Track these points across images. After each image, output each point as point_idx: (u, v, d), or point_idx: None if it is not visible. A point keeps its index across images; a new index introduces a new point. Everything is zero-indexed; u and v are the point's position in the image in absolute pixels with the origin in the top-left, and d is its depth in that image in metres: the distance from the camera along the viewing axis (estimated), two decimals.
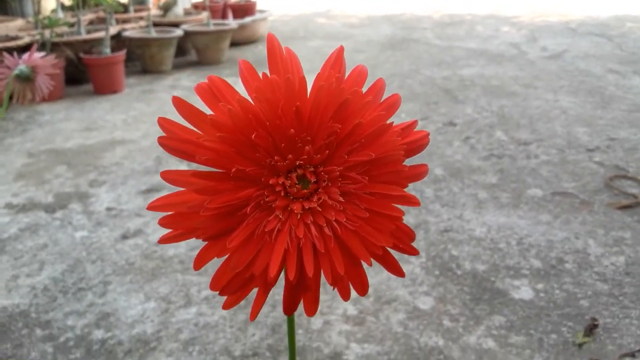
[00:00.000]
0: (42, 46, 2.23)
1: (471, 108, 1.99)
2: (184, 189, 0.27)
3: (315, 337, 0.88)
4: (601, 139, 1.66)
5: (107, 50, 2.31)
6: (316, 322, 0.92)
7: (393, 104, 0.29)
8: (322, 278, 0.29)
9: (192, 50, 2.95)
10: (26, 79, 0.75)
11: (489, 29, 3.59)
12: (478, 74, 2.46)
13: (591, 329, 0.88)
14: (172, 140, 0.26)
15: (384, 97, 0.29)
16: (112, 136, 1.82)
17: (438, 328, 0.90)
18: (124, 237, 1.19)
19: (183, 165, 1.53)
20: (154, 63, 2.64)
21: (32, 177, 1.52)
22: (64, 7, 2.92)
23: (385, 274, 1.03)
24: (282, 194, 0.27)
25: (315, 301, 0.30)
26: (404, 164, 0.28)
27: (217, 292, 0.28)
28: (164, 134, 0.27)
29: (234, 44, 3.13)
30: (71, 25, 2.55)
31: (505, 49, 2.97)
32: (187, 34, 2.77)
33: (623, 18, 3.80)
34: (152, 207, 0.27)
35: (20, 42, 2.21)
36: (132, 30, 2.67)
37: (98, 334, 0.90)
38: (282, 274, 0.28)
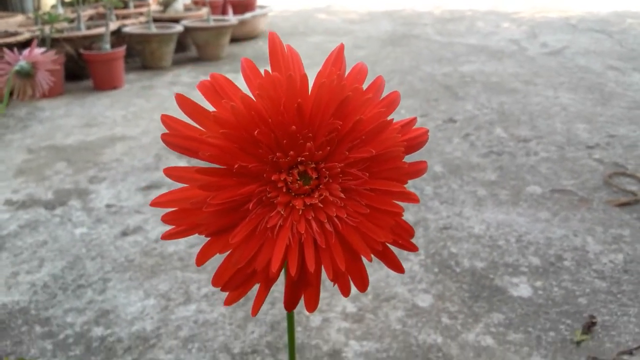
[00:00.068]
0: (42, 42, 2.23)
1: (471, 105, 1.99)
2: (187, 185, 0.27)
3: (314, 335, 0.89)
4: (601, 136, 1.66)
5: (107, 46, 2.31)
6: (315, 319, 0.92)
7: (393, 101, 0.29)
8: (322, 275, 0.29)
9: (192, 46, 2.94)
10: (26, 75, 0.75)
11: (489, 25, 3.59)
12: (478, 70, 2.46)
13: (589, 327, 0.88)
14: (176, 137, 0.27)
15: (384, 94, 0.30)
16: (112, 132, 1.82)
17: (437, 325, 0.90)
18: (124, 234, 1.19)
19: (182, 162, 1.54)
20: (153, 59, 2.64)
21: (32, 173, 1.52)
22: (63, 3, 2.92)
23: (384, 271, 1.04)
24: (284, 190, 0.28)
25: (316, 297, 0.30)
26: (403, 160, 0.28)
27: (219, 288, 0.28)
28: (164, 130, 0.27)
29: (234, 39, 3.12)
30: (71, 21, 2.55)
31: (506, 45, 2.97)
32: (187, 29, 2.76)
33: (623, 14, 3.80)
34: (155, 204, 0.27)
35: (20, 38, 2.21)
36: (132, 26, 2.67)
37: (97, 331, 0.90)
38: (283, 271, 0.28)
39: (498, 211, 1.25)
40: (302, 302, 0.30)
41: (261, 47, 3.15)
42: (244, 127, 0.26)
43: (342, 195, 0.28)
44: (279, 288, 0.97)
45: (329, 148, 0.27)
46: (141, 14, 2.99)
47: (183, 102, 0.27)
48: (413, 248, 0.30)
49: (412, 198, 0.28)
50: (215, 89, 0.27)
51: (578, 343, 0.85)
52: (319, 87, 0.26)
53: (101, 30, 2.39)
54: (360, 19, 4.06)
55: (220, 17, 3.12)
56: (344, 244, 0.28)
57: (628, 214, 1.22)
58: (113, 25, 2.54)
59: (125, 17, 2.90)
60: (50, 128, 1.88)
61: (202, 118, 0.27)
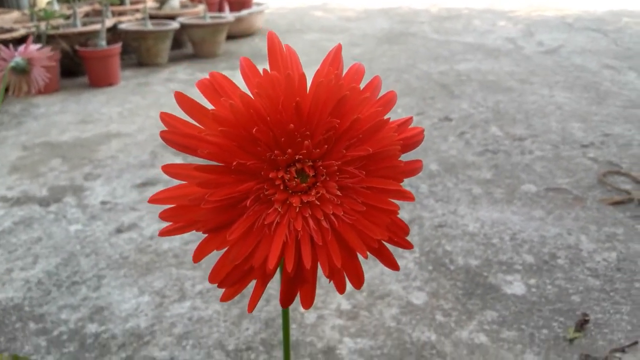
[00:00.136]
0: (38, 38, 2.22)
1: (467, 103, 2.00)
2: (184, 182, 0.27)
3: (308, 332, 0.89)
4: (595, 134, 1.67)
5: (103, 42, 2.30)
6: (310, 316, 0.92)
7: (389, 101, 0.30)
8: (318, 272, 0.29)
9: (189, 43, 2.94)
10: (22, 71, 0.75)
11: (485, 24, 3.59)
12: (474, 68, 2.47)
13: (582, 325, 0.89)
14: (175, 135, 0.27)
15: (381, 93, 0.30)
16: (107, 129, 1.82)
17: (431, 323, 0.90)
18: (119, 230, 1.19)
19: (178, 159, 1.53)
20: (149, 56, 2.64)
21: (27, 170, 1.51)
22: (59, 0, 2.91)
23: (379, 269, 1.04)
24: (282, 187, 0.28)
25: (312, 294, 0.30)
26: (399, 159, 0.29)
27: (216, 285, 0.29)
28: (160, 127, 0.27)
29: (231, 37, 3.12)
30: (67, 17, 2.54)
31: (502, 43, 2.97)
32: (184, 26, 2.76)
33: (619, 13, 3.81)
34: (153, 201, 0.28)
35: (15, 34, 2.20)
36: (128, 23, 2.66)
37: (92, 327, 0.91)
38: (278, 268, 0.28)
39: (493, 209, 1.25)
40: (297, 299, 0.31)
41: (257, 44, 3.15)
42: (242, 125, 0.26)
43: (338, 193, 0.28)
44: (273, 285, 0.97)
45: (326, 146, 0.28)
46: (137, 10, 2.98)
47: (182, 99, 0.27)
48: (408, 246, 0.31)
49: (407, 196, 0.29)
50: (214, 87, 0.27)
51: (571, 341, 0.86)
52: (317, 87, 0.27)
53: (97, 26, 2.39)
54: (356, 17, 4.06)
55: (216, 14, 3.12)
56: (340, 241, 0.28)
57: (622, 212, 1.23)
58: (109, 22, 2.53)
59: (121, 13, 2.89)
60: (45, 125, 1.87)
61: (200, 116, 0.27)
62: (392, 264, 0.31)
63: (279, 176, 0.28)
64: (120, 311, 0.94)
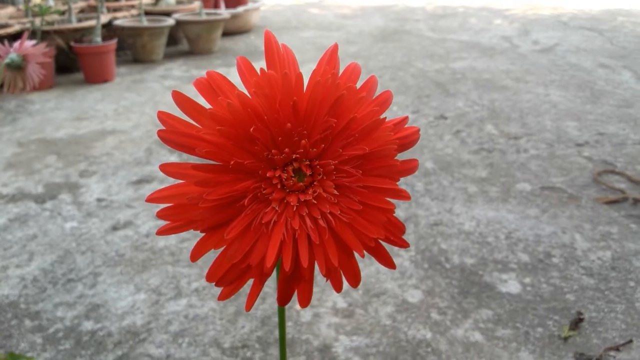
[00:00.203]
0: (33, 34, 2.22)
1: (462, 101, 2.00)
2: (182, 181, 0.27)
3: (304, 330, 0.89)
4: (590, 133, 1.68)
5: (98, 39, 2.30)
6: (306, 314, 0.92)
7: (385, 100, 0.30)
8: (315, 270, 0.30)
9: (184, 40, 2.93)
10: (17, 67, 0.75)
11: (481, 22, 3.60)
12: (470, 67, 2.47)
13: (577, 323, 0.89)
14: (172, 134, 0.27)
15: (377, 92, 0.30)
16: (102, 126, 1.81)
17: (426, 321, 0.91)
18: (114, 228, 1.19)
19: (174, 157, 1.53)
20: (145, 52, 2.63)
21: (22, 167, 1.51)
22: None
23: (375, 267, 1.04)
24: (279, 186, 0.28)
25: (309, 292, 0.30)
26: (395, 158, 0.29)
27: (213, 283, 0.29)
28: (156, 124, 0.27)
29: (226, 33, 3.11)
30: (62, 13, 2.53)
31: (497, 42, 2.98)
32: (179, 23, 2.75)
33: (614, 12, 3.82)
34: (151, 199, 0.28)
35: (10, 30, 2.19)
36: (123, 19, 2.65)
37: (88, 325, 0.90)
38: (275, 267, 0.29)
39: (488, 208, 1.26)
40: (294, 298, 0.31)
41: (253, 41, 3.14)
42: (240, 124, 0.26)
43: (335, 192, 0.28)
44: (269, 283, 0.97)
45: (323, 145, 0.28)
46: (133, 6, 2.98)
47: (179, 98, 0.27)
48: (404, 244, 0.31)
49: (403, 195, 0.29)
50: (212, 86, 0.27)
51: (565, 339, 0.86)
52: (314, 86, 0.27)
53: (92, 22, 2.38)
54: (352, 14, 4.06)
55: (212, 10, 3.11)
56: (337, 240, 0.28)
57: (616, 211, 1.23)
58: (104, 18, 2.53)
59: (116, 9, 2.88)
60: (40, 121, 1.87)
61: (198, 115, 0.27)
62: (389, 263, 0.31)
63: (277, 175, 0.28)
64: (116, 309, 0.94)
